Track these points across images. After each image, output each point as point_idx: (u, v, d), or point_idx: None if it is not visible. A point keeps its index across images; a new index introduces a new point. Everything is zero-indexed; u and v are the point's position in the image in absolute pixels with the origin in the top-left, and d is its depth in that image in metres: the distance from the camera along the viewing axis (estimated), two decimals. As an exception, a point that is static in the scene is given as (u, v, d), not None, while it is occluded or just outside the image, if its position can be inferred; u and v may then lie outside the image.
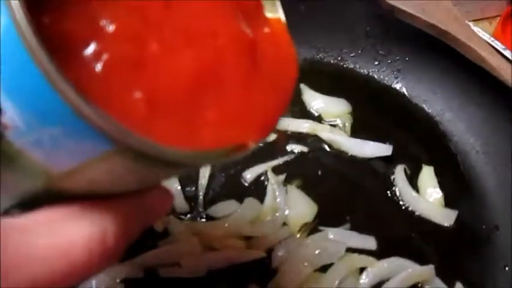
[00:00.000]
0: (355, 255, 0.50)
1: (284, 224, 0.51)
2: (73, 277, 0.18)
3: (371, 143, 0.58)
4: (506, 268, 0.51)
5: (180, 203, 0.52)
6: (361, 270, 0.49)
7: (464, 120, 0.60)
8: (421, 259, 0.50)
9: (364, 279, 0.48)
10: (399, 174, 0.56)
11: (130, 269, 0.48)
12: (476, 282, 0.50)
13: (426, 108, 0.62)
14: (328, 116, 0.61)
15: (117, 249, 0.19)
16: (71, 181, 0.20)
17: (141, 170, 0.19)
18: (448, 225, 0.53)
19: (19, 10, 0.16)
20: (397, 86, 0.65)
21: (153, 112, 0.18)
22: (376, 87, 0.65)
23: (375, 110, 0.62)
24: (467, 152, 0.58)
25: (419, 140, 0.60)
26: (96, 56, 0.18)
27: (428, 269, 0.49)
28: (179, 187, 0.52)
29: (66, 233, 0.18)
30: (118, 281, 0.47)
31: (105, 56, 0.18)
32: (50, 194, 0.20)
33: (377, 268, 0.49)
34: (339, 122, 0.61)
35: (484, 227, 0.53)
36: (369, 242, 0.51)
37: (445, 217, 0.54)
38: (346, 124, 0.60)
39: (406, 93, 0.64)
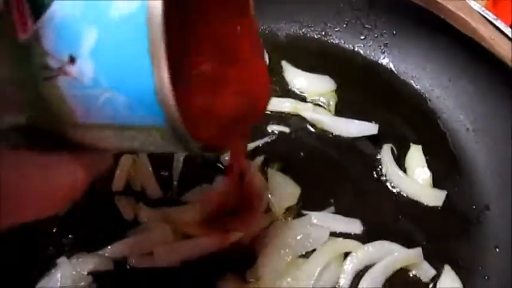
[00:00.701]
0: (340, 239, 0.47)
1: (266, 210, 0.49)
2: (55, 207, 0.23)
3: (356, 122, 0.55)
4: (497, 249, 0.48)
5: (153, 188, 0.49)
6: (346, 255, 0.47)
7: (454, 96, 0.57)
8: (408, 242, 0.48)
9: (348, 264, 0.46)
10: (386, 154, 0.53)
11: (99, 260, 0.45)
12: (465, 264, 0.48)
13: (414, 85, 0.59)
14: (312, 95, 0.58)
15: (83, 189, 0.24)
16: (84, 133, 0.23)
17: (156, 143, 0.23)
18: (436, 206, 0.51)
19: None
20: (384, 62, 0.61)
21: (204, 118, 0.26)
22: (362, 64, 0.62)
23: (360, 88, 0.59)
24: (456, 129, 0.55)
25: (407, 118, 0.57)
26: (192, 67, 0.26)
27: (416, 252, 0.47)
28: (151, 170, 0.50)
29: (58, 176, 0.23)
30: (85, 273, 0.45)
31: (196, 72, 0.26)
32: (52, 133, 0.23)
33: (362, 253, 0.46)
34: (322, 100, 0.58)
35: (473, 207, 0.51)
36: (355, 226, 0.49)
37: (434, 198, 0.51)
38: (331, 103, 0.57)
39: (393, 69, 0.61)
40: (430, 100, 0.58)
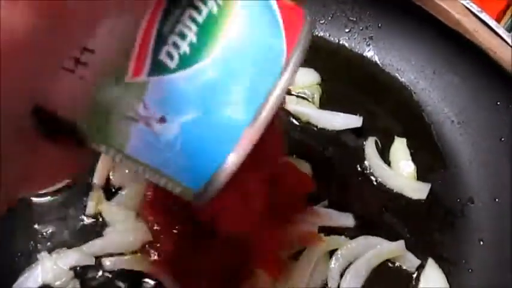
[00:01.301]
0: (326, 237, 0.47)
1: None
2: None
3: (341, 114, 0.54)
4: (481, 242, 0.48)
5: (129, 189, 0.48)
6: (331, 252, 0.46)
7: (439, 88, 0.56)
8: (392, 235, 0.48)
9: (334, 263, 0.45)
10: (370, 147, 0.53)
11: (80, 256, 0.44)
12: (449, 257, 0.48)
13: (399, 77, 0.59)
14: (296, 88, 0.57)
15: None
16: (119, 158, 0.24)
17: (173, 190, 0.25)
18: (420, 199, 0.51)
19: None
20: (369, 55, 0.61)
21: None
22: (347, 56, 0.61)
23: (345, 80, 0.58)
24: (441, 122, 0.55)
25: (391, 111, 0.56)
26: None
27: (399, 245, 0.47)
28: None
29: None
30: (67, 268, 0.44)
31: None
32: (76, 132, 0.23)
33: (346, 250, 0.46)
34: (307, 93, 0.57)
35: (458, 200, 0.51)
36: (347, 220, 0.48)
37: (418, 191, 0.51)
38: (315, 95, 0.57)
39: (378, 61, 0.60)
40: (415, 93, 0.58)
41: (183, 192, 0.24)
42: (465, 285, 0.46)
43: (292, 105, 0.55)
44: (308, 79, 0.58)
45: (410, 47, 0.59)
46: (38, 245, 0.46)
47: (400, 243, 0.46)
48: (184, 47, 0.21)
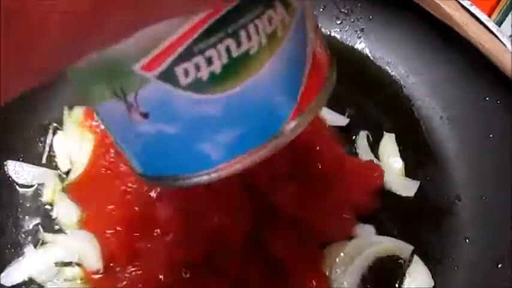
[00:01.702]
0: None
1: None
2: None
3: (326, 111, 0.53)
4: (467, 240, 0.48)
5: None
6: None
7: (428, 83, 0.56)
8: (380, 231, 0.48)
9: (338, 272, 0.45)
10: (362, 142, 0.53)
11: (65, 251, 0.44)
12: (435, 254, 0.48)
13: (390, 71, 0.58)
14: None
15: None
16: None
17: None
18: (408, 196, 0.50)
19: None
20: (360, 47, 0.60)
21: None
22: (338, 48, 0.60)
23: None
24: (430, 117, 0.55)
25: (381, 105, 0.56)
26: None
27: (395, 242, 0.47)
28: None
29: None
30: (51, 263, 0.44)
31: None
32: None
33: (340, 258, 0.46)
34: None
35: (446, 198, 0.50)
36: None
37: (407, 188, 0.50)
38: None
39: (369, 54, 0.59)
40: (405, 87, 0.57)
41: (133, 168, 0.26)
42: (450, 282, 0.46)
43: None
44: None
45: (401, 39, 0.58)
46: (27, 238, 0.46)
47: (396, 241, 0.46)
48: (204, 73, 0.21)
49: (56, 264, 0.45)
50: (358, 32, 0.60)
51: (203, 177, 0.23)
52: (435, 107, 0.55)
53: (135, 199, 0.44)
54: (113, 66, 0.21)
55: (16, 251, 0.46)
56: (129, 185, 0.45)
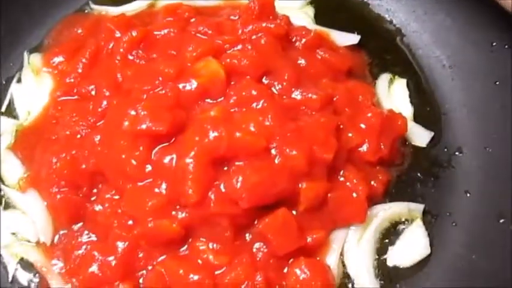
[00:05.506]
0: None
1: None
2: None
3: (337, 32, 0.51)
4: (468, 194, 0.45)
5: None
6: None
7: (430, 30, 0.53)
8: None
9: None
10: (382, 84, 0.50)
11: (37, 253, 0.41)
12: (432, 210, 0.44)
13: (389, 18, 0.55)
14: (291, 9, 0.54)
15: None
16: None
17: None
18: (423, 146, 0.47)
19: None
20: (359, -7, 0.56)
21: None
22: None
23: (335, 21, 0.54)
24: (432, 66, 0.52)
25: (379, 55, 0.52)
26: None
27: (401, 206, 0.44)
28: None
29: None
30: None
31: None
32: None
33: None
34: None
35: (445, 149, 0.48)
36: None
37: (420, 137, 0.47)
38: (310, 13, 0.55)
39: (368, 1, 0.56)
40: (405, 35, 0.54)
41: None
42: (447, 239, 0.43)
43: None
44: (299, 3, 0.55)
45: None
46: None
47: (402, 205, 0.44)
48: None
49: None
50: (354, -23, 0.56)
51: None
52: (437, 55, 0.52)
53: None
54: None
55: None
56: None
